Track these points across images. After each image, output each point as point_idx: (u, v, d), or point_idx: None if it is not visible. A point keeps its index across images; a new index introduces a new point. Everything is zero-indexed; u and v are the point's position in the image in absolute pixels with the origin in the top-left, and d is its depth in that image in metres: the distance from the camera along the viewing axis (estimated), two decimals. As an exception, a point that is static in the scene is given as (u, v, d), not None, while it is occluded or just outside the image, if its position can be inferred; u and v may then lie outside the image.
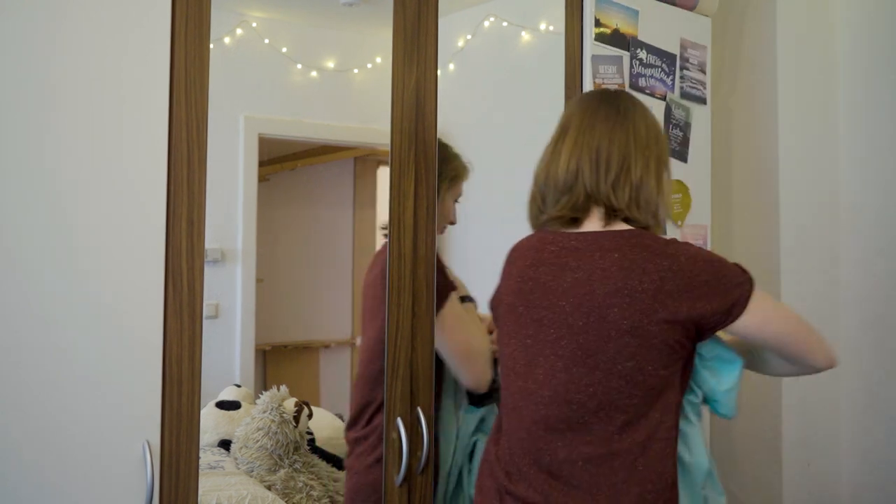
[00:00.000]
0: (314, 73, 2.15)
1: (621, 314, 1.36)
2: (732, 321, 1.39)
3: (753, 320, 1.40)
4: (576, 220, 1.45)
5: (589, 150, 1.44)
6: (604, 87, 2.04)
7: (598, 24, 2.03)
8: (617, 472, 1.36)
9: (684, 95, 2.26)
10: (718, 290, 1.37)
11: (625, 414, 1.37)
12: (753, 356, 1.55)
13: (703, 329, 1.40)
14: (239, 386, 2.07)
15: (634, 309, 1.36)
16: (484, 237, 2.15)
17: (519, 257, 1.51)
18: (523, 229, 1.53)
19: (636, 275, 1.36)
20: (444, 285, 1.73)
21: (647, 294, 1.35)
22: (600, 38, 2.05)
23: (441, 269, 1.74)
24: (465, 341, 1.72)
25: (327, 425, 2.14)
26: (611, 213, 1.43)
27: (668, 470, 1.39)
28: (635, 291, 1.36)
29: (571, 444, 1.38)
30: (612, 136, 1.45)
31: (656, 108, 2.15)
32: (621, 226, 1.43)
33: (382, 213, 1.93)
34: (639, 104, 1.51)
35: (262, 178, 2.10)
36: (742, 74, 2.63)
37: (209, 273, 1.46)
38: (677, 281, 1.35)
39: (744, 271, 1.42)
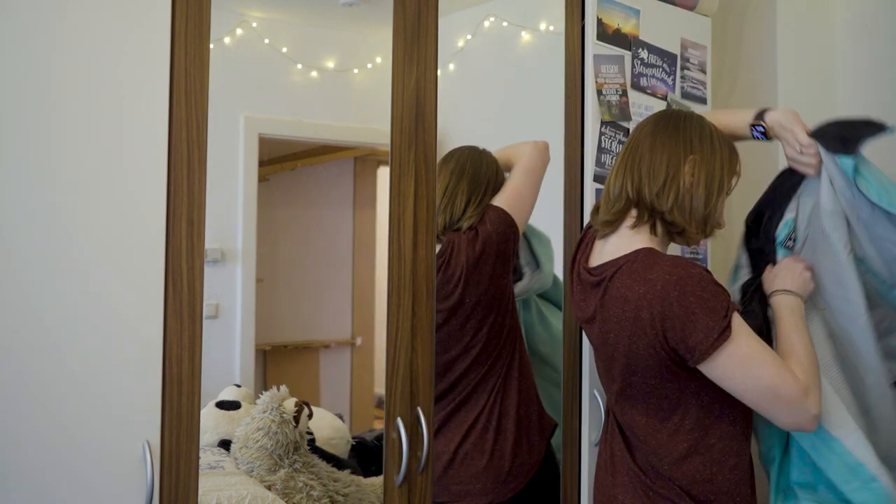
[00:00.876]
0: (314, 73, 2.15)
1: (616, 338, 1.46)
2: (695, 364, 1.38)
3: (715, 372, 1.38)
4: (613, 223, 1.53)
5: (633, 162, 1.52)
6: (603, 83, 2.04)
7: (599, 23, 2.03)
8: (644, 469, 1.49)
9: (685, 95, 2.26)
10: (686, 328, 1.35)
11: (646, 416, 1.48)
12: None
13: (684, 360, 1.40)
14: (239, 386, 2.07)
15: (623, 335, 1.44)
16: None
17: (573, 265, 1.66)
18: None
19: (619, 303, 1.44)
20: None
21: (629, 321, 1.42)
22: (602, 37, 2.05)
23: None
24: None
25: (327, 425, 2.14)
26: (646, 216, 1.50)
27: (690, 469, 1.45)
28: (621, 319, 1.44)
29: (614, 437, 1.57)
30: (657, 148, 1.51)
31: (657, 108, 2.15)
32: (643, 234, 1.49)
33: (382, 213, 1.94)
34: (695, 119, 1.56)
35: (262, 178, 2.10)
36: (742, 74, 2.63)
37: (209, 273, 1.46)
38: (651, 309, 1.39)
39: (721, 316, 1.35)
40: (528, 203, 1.87)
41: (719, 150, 1.52)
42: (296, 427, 1.98)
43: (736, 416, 1.47)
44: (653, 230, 1.50)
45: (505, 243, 1.80)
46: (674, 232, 1.50)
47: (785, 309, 1.52)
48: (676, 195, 1.47)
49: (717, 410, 1.45)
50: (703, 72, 2.30)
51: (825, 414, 1.47)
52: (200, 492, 1.41)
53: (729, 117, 1.70)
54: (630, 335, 1.42)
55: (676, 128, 1.53)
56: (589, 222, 1.66)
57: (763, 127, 1.64)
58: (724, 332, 1.34)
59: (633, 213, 1.51)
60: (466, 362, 1.82)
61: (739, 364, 1.36)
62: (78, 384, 1.29)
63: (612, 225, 1.53)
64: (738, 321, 1.37)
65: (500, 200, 1.86)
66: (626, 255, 1.46)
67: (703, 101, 2.32)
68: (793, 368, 1.40)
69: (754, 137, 1.67)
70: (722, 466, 1.44)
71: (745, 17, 2.62)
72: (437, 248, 1.82)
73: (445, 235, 1.85)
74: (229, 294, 2.05)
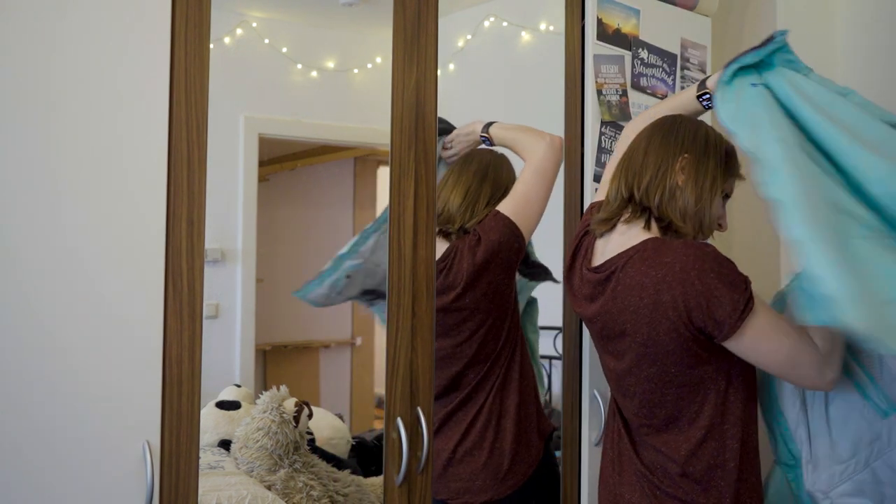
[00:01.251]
0: (314, 73, 2.15)
1: (633, 329, 1.45)
2: (723, 340, 1.40)
3: (742, 345, 1.39)
4: (610, 220, 1.55)
5: (629, 164, 1.55)
6: (603, 83, 2.04)
7: (599, 23, 2.03)
8: (659, 460, 1.50)
9: (684, 95, 2.26)
10: (712, 304, 1.37)
11: (664, 409, 1.49)
12: None
13: (710, 338, 1.41)
14: (239, 386, 2.07)
15: (641, 323, 1.43)
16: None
17: (570, 270, 1.65)
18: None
19: (635, 291, 1.44)
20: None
21: (647, 308, 1.42)
22: (602, 37, 2.05)
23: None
24: None
25: (327, 425, 2.14)
26: (639, 212, 1.51)
27: (706, 455, 1.46)
28: (638, 308, 1.43)
29: (621, 436, 1.58)
30: (651, 148, 1.54)
31: (656, 108, 2.15)
32: (637, 229, 1.50)
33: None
34: (690, 122, 1.58)
35: (262, 178, 2.10)
36: (742, 74, 2.63)
37: (209, 273, 1.46)
38: (672, 292, 1.39)
39: (743, 289, 1.37)
40: (537, 210, 1.84)
41: (714, 151, 1.54)
42: (296, 427, 1.98)
43: (747, 401, 1.48)
44: (647, 225, 1.50)
45: (508, 253, 1.79)
46: (663, 227, 1.51)
47: None
48: (664, 191, 1.49)
49: (731, 396, 1.46)
50: (703, 72, 2.30)
51: None
52: (200, 492, 1.41)
53: (676, 101, 1.73)
54: (649, 322, 1.41)
55: (670, 130, 1.56)
56: (579, 229, 1.67)
57: (709, 94, 1.66)
58: (749, 304, 1.36)
59: (629, 209, 1.53)
60: (463, 361, 1.83)
61: (763, 334, 1.38)
62: (78, 384, 1.29)
63: (609, 223, 1.54)
64: (755, 293, 1.40)
65: (508, 208, 1.81)
66: (634, 247, 1.47)
67: (703, 101, 2.32)
68: (811, 335, 1.41)
69: (706, 108, 1.69)
70: (734, 452, 1.46)
71: (745, 17, 2.62)
72: (444, 248, 1.82)
73: (457, 236, 1.85)
74: (229, 294, 2.05)
